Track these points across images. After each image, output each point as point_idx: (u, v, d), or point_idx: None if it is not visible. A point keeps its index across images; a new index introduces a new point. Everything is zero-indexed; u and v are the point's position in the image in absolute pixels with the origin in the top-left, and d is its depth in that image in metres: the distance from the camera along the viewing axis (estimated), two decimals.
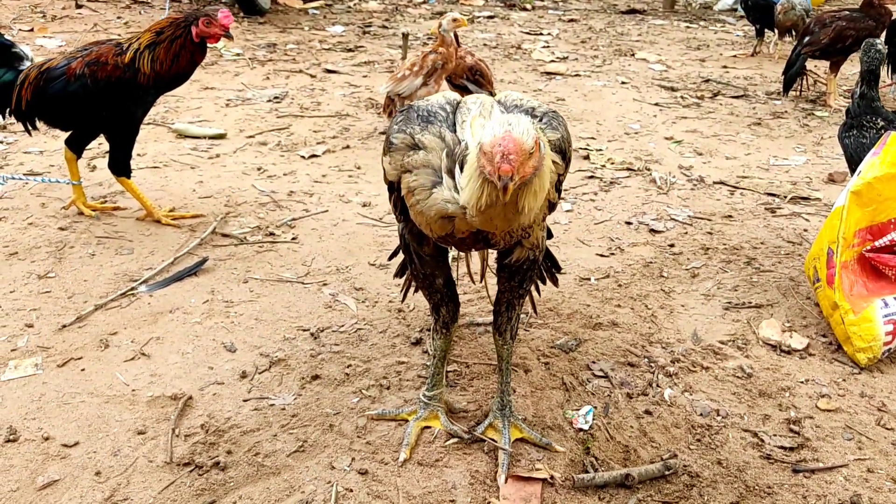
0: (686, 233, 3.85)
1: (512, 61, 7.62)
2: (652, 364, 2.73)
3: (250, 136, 5.07)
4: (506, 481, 2.15)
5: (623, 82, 6.96)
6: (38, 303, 3.01)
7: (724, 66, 7.85)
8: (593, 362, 2.73)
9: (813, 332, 2.97)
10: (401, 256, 2.45)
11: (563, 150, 2.05)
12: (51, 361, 2.65)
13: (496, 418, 2.33)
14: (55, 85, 3.46)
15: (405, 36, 6.29)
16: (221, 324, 2.92)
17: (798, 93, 6.65)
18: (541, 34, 9.22)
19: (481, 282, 2.98)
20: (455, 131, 1.93)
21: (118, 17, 8.58)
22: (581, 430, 2.39)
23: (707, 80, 7.15)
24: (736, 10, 11.31)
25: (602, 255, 3.59)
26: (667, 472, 2.20)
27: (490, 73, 5.29)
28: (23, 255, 3.36)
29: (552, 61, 7.67)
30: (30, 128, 3.66)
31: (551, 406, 2.49)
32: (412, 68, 4.77)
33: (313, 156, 4.76)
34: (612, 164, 4.81)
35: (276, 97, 5.94)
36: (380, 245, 3.60)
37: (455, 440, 2.30)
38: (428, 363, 2.67)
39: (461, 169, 1.82)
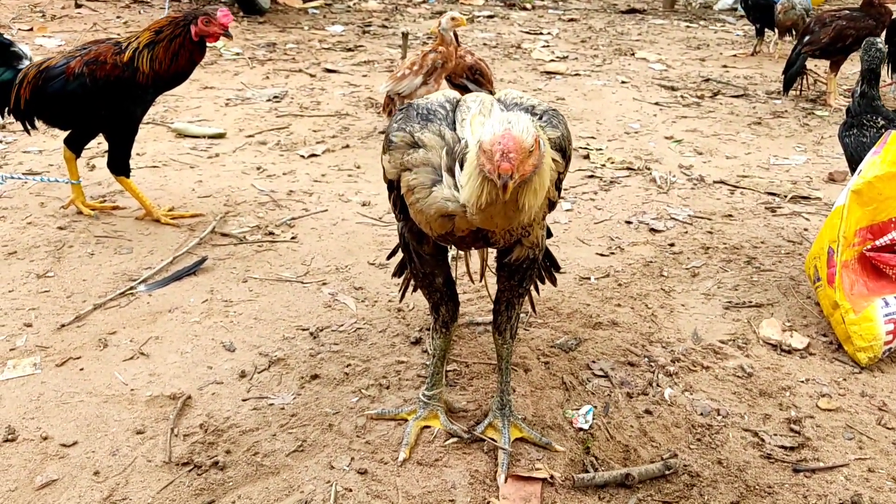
0: (686, 232, 3.84)
1: (512, 61, 7.62)
2: (652, 363, 2.72)
3: (250, 136, 5.07)
4: (505, 481, 2.14)
5: (623, 82, 6.96)
6: (37, 302, 3.01)
7: (724, 66, 7.84)
8: (593, 362, 2.72)
9: (813, 331, 2.97)
10: (400, 255, 2.45)
11: (563, 148, 2.04)
12: (49, 361, 2.65)
13: (496, 418, 2.32)
14: (54, 84, 3.45)
15: (405, 35, 6.28)
16: (220, 323, 2.91)
17: (798, 92, 6.64)
18: (541, 33, 9.22)
19: (481, 281, 2.97)
20: (455, 129, 1.92)
21: (118, 17, 8.58)
22: (581, 429, 2.38)
23: (707, 80, 7.14)
24: (736, 9, 11.31)
25: (602, 255, 3.58)
26: (667, 472, 2.20)
27: (490, 73, 5.29)
28: (22, 255, 3.36)
29: (552, 61, 7.66)
30: (29, 127, 3.65)
31: (551, 405, 2.48)
32: (412, 67, 4.77)
33: (313, 155, 4.75)
34: (612, 163, 4.81)
35: (275, 96, 5.94)
36: (379, 244, 3.59)
37: (454, 440, 2.30)
38: (427, 362, 2.66)
39: (461, 167, 1.82)
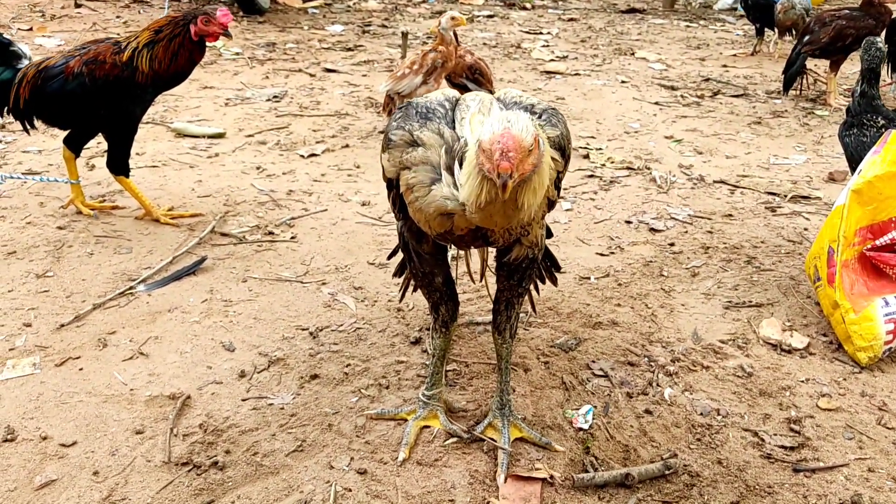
0: (686, 232, 3.84)
1: (511, 60, 7.61)
2: (652, 363, 2.72)
3: (249, 136, 5.07)
4: (505, 481, 2.14)
5: (623, 81, 6.96)
6: (37, 302, 3.00)
7: (724, 65, 7.84)
8: (593, 361, 2.72)
9: (813, 331, 2.96)
10: (400, 255, 2.44)
11: (562, 147, 2.04)
12: (49, 361, 2.65)
13: (495, 417, 2.32)
14: (53, 83, 3.45)
15: (404, 35, 6.28)
16: (220, 323, 2.91)
17: (798, 92, 6.64)
18: (540, 33, 9.22)
19: (481, 281, 2.97)
20: (454, 128, 1.92)
21: (117, 17, 8.57)
22: (581, 429, 2.38)
23: (707, 79, 7.14)
24: (736, 9, 11.31)
25: (602, 254, 3.58)
26: (667, 472, 2.19)
27: (489, 72, 5.29)
28: (21, 255, 3.35)
29: (552, 60, 7.66)
30: (28, 126, 3.65)
31: (551, 405, 2.48)
32: (412, 67, 4.77)
33: (312, 155, 4.75)
34: (612, 163, 4.80)
35: (275, 96, 5.94)
36: (379, 244, 3.59)
37: (454, 440, 2.29)
38: (427, 362, 2.66)
39: (460, 165, 1.81)
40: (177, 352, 2.72)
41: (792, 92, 6.52)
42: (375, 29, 8.94)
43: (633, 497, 2.13)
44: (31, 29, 7.70)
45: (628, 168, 4.74)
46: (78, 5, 8.89)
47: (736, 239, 3.75)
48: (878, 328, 2.71)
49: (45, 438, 2.27)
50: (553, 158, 1.95)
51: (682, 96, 6.50)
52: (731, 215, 4.05)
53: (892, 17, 6.20)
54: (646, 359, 2.75)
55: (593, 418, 2.42)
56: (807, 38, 6.19)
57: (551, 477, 2.17)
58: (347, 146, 4.94)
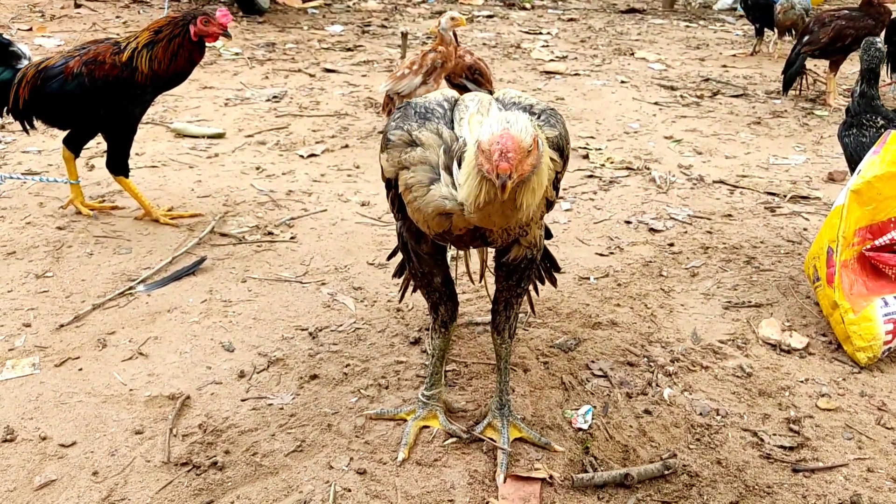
0: (686, 232, 3.84)
1: (511, 60, 7.61)
2: (651, 363, 2.72)
3: (249, 136, 5.07)
4: (504, 481, 2.14)
5: (622, 81, 6.96)
6: (36, 302, 3.00)
7: (724, 66, 7.84)
8: (592, 362, 2.72)
9: (813, 331, 2.96)
10: (400, 256, 2.44)
11: (560, 148, 2.04)
12: (48, 361, 2.65)
13: (495, 418, 2.32)
14: (53, 84, 3.45)
15: (404, 35, 6.28)
16: (220, 323, 2.91)
17: (798, 92, 6.64)
18: (540, 33, 9.22)
19: (480, 281, 2.97)
20: (453, 128, 1.92)
21: (117, 17, 8.57)
22: (580, 429, 2.38)
23: (707, 80, 7.14)
24: (735, 9, 11.31)
25: (601, 255, 3.58)
26: (666, 472, 2.19)
27: (489, 73, 5.29)
28: (21, 255, 3.35)
29: (551, 60, 7.66)
30: (27, 127, 3.65)
31: (550, 405, 2.48)
32: (411, 67, 4.77)
33: (312, 155, 4.75)
34: (612, 163, 4.81)
35: (274, 96, 5.94)
36: (378, 244, 3.59)
37: (454, 440, 2.29)
38: (426, 362, 2.66)
39: (459, 165, 1.81)
40: (176, 352, 2.73)
41: (791, 92, 6.52)
42: (375, 29, 8.95)
43: (633, 497, 2.13)
44: (30, 29, 7.70)
45: (628, 168, 4.74)
46: (78, 5, 8.89)
47: (735, 239, 3.75)
48: (878, 328, 2.71)
49: (44, 439, 2.28)
50: (552, 159, 1.96)
51: (681, 96, 6.50)
52: (730, 215, 4.06)
53: (892, 17, 6.20)
54: (645, 359, 2.75)
55: (593, 418, 2.42)
56: (806, 38, 6.19)
57: (550, 477, 2.17)
58: (347, 146, 4.94)
